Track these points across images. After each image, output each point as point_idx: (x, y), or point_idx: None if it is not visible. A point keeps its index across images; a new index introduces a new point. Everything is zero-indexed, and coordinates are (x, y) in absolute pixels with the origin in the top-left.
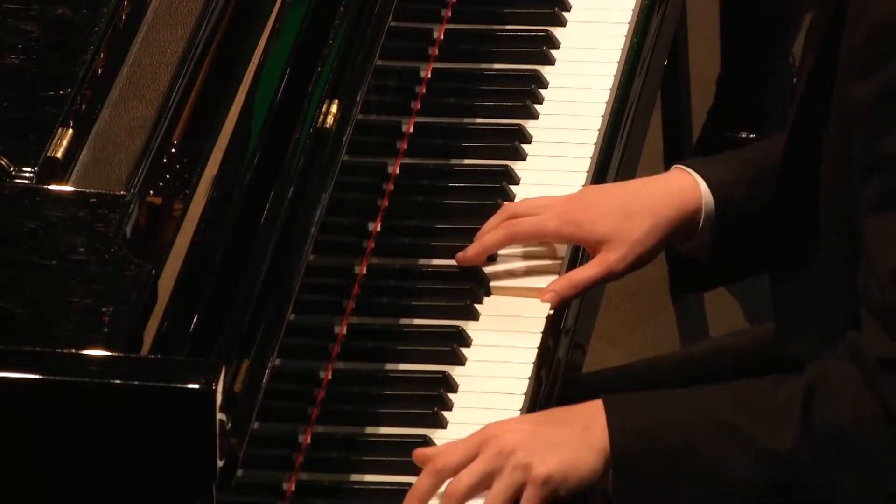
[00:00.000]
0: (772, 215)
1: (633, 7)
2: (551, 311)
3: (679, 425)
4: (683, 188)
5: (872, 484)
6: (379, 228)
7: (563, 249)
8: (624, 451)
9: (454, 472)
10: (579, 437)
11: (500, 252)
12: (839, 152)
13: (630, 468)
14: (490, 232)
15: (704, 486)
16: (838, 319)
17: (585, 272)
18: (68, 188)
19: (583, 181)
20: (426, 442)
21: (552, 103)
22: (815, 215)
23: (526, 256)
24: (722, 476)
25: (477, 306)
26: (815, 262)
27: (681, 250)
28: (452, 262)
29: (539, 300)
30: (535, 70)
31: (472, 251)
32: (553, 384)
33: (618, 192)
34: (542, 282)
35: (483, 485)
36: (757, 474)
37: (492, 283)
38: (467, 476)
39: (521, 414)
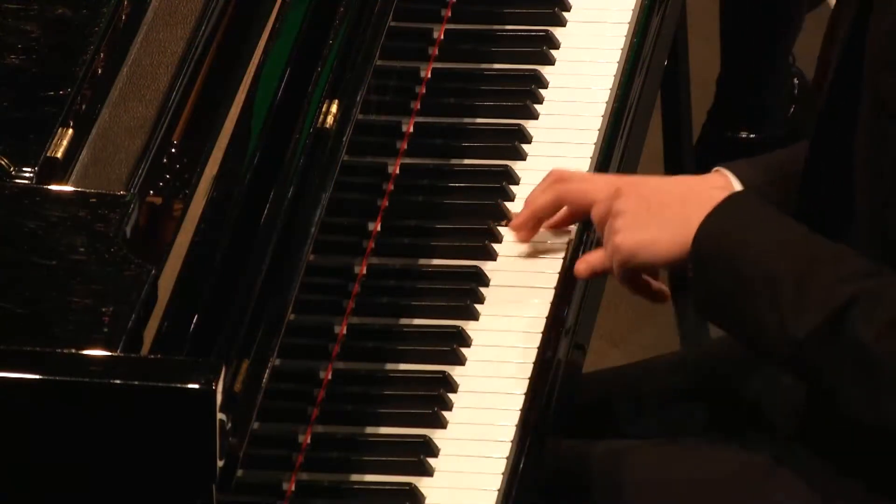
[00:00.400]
0: (799, 209)
1: (633, 7)
2: (550, 311)
3: (752, 258)
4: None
5: (877, 404)
6: (379, 228)
7: (563, 248)
8: (701, 257)
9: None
10: (676, 222)
11: (501, 252)
12: (872, 141)
13: (703, 275)
14: (538, 195)
15: (747, 326)
16: None
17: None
18: (68, 188)
19: None
20: (426, 442)
21: (552, 103)
22: (844, 207)
23: (526, 256)
24: (758, 325)
25: (477, 306)
26: None
27: None
28: (452, 261)
29: (538, 300)
30: (535, 70)
31: (522, 216)
32: (553, 384)
33: (669, 186)
34: (543, 282)
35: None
36: (773, 341)
37: (492, 284)
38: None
39: (521, 415)
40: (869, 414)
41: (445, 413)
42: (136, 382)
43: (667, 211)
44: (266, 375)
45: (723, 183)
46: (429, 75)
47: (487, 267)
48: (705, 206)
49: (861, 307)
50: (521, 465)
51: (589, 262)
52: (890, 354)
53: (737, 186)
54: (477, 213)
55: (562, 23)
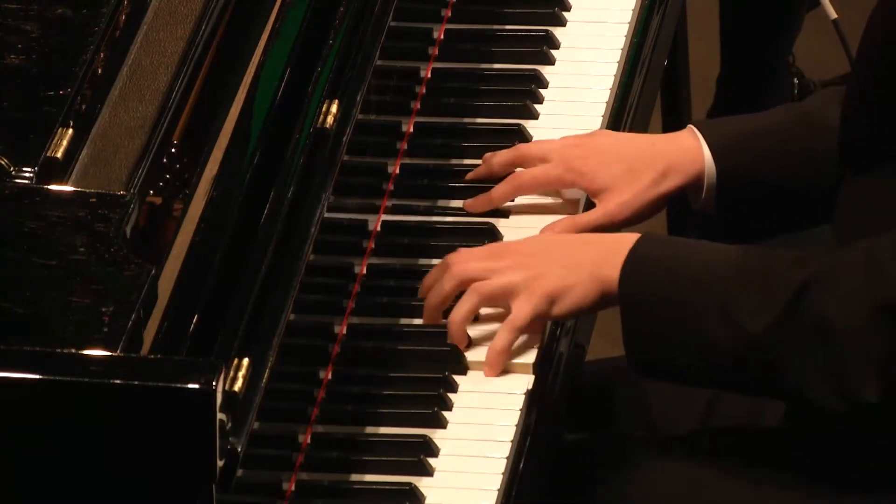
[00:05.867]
0: (840, 206)
1: (633, 7)
2: None
3: (683, 281)
4: (687, 150)
5: (843, 382)
6: (379, 228)
7: None
8: (628, 298)
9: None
10: (586, 265)
11: None
12: None
13: (633, 314)
14: (497, 187)
15: (692, 349)
16: None
17: (587, 216)
18: (68, 188)
19: None
20: (426, 442)
21: (552, 103)
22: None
23: None
24: (705, 343)
25: None
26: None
27: (694, 209)
28: None
29: None
30: (535, 70)
31: (480, 202)
32: (553, 384)
33: (626, 145)
34: None
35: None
36: (731, 349)
37: None
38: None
39: (521, 415)
40: (835, 399)
41: (445, 413)
42: (136, 382)
43: (573, 257)
44: (266, 375)
45: (693, 145)
46: (429, 75)
47: None
48: (609, 248)
49: (816, 288)
50: (521, 465)
51: (513, 325)
52: (855, 328)
53: (705, 149)
54: (477, 213)
55: (562, 23)
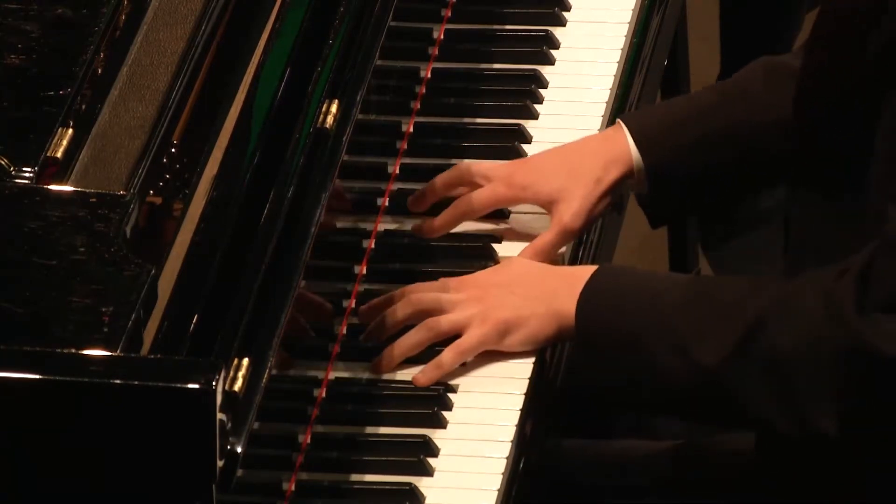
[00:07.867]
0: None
1: (633, 7)
2: None
3: (636, 314)
4: (616, 142)
5: (801, 414)
6: (379, 228)
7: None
8: (584, 330)
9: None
10: (544, 297)
11: (501, 252)
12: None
13: (587, 347)
14: (443, 214)
15: (645, 382)
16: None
17: (545, 236)
18: (68, 188)
19: None
20: (426, 442)
21: (552, 103)
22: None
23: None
24: (655, 375)
25: None
26: (841, 192)
27: (636, 193)
28: (452, 262)
29: None
30: (535, 70)
31: (427, 226)
32: (553, 382)
33: (559, 153)
34: None
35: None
36: (685, 382)
37: None
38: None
39: (521, 414)
40: (794, 427)
41: (445, 413)
42: (136, 382)
43: (531, 289)
44: (266, 375)
45: (621, 136)
46: (429, 75)
47: (487, 266)
48: (566, 281)
49: (771, 323)
50: (521, 465)
51: (455, 354)
52: (813, 368)
53: (630, 141)
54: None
55: (562, 23)
